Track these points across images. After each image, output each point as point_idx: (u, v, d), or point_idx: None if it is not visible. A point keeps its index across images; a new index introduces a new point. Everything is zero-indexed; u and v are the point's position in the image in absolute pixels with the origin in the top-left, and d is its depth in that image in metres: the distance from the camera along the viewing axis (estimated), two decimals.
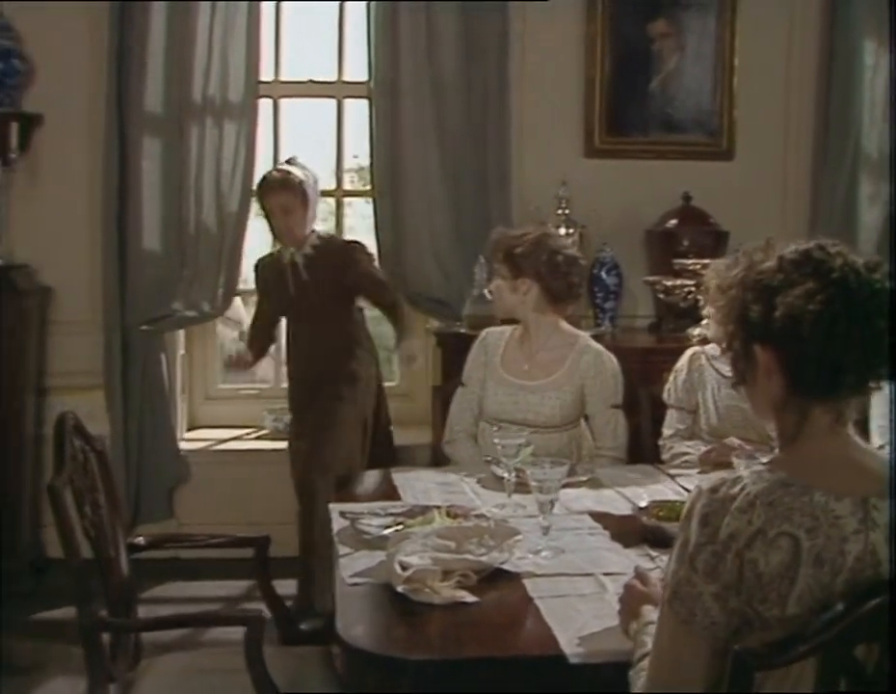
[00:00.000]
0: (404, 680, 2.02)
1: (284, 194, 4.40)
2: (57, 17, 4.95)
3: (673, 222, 5.14)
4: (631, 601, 2.05)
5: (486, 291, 4.09)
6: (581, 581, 2.38)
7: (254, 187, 4.75)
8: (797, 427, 1.76)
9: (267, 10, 5.29)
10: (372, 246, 5.03)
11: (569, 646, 2.03)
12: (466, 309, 4.89)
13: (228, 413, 5.63)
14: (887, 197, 5.34)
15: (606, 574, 2.41)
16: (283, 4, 5.42)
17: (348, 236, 5.18)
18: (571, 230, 5.12)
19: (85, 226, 5.12)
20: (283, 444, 4.76)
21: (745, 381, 1.84)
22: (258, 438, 5.48)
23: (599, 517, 2.88)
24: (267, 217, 4.57)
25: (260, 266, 4.71)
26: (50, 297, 5.16)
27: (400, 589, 2.26)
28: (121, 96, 4.98)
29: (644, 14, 5.32)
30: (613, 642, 2.02)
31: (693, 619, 1.67)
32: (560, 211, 5.14)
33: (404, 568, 2.29)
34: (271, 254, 4.75)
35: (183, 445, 5.32)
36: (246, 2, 5.03)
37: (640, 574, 2.12)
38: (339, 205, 5.61)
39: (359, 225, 5.74)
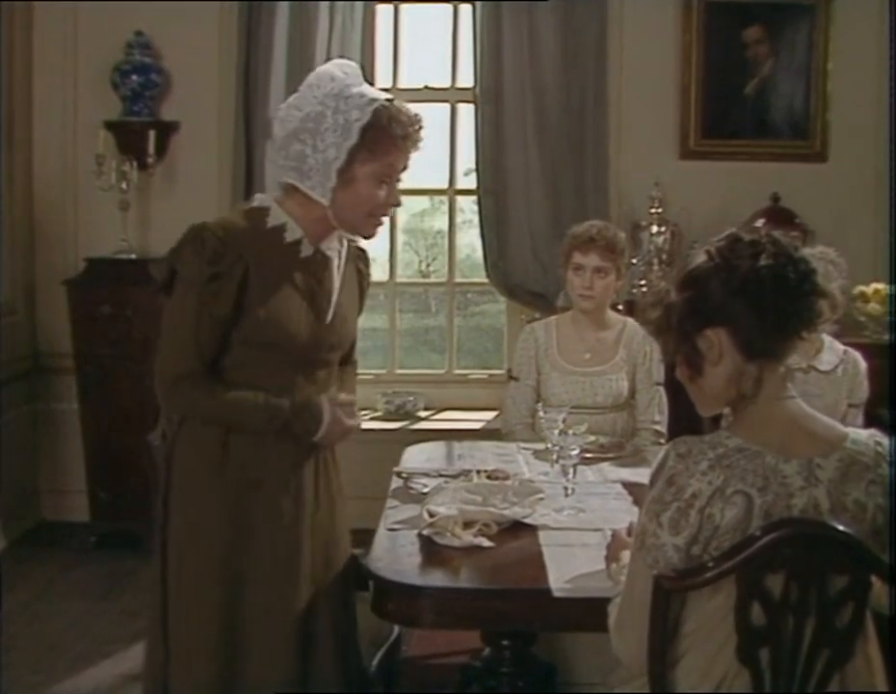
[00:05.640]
0: (415, 605, 2.37)
1: None
2: (191, 35, 5.44)
3: (761, 221, 5.25)
4: (615, 548, 2.34)
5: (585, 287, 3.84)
6: (589, 535, 2.64)
7: None
8: (754, 391, 1.96)
9: (386, 19, 5.67)
10: (477, 241, 5.37)
11: (556, 583, 2.34)
12: (560, 301, 5.08)
13: None
14: None
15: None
16: (401, 12, 5.75)
17: (460, 232, 5.57)
18: (663, 228, 5.35)
19: None
20: (395, 425, 5.09)
21: (701, 372, 2.00)
22: (372, 419, 5.81)
23: (630, 485, 3.11)
24: None
25: None
26: None
27: (425, 532, 2.58)
28: (247, 105, 5.42)
29: (738, 22, 5.45)
30: (595, 581, 2.32)
31: (657, 565, 1.92)
32: (653, 210, 5.38)
33: (431, 515, 2.62)
34: None
35: None
36: (360, 16, 5.40)
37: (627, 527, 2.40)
38: (452, 203, 5.96)
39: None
